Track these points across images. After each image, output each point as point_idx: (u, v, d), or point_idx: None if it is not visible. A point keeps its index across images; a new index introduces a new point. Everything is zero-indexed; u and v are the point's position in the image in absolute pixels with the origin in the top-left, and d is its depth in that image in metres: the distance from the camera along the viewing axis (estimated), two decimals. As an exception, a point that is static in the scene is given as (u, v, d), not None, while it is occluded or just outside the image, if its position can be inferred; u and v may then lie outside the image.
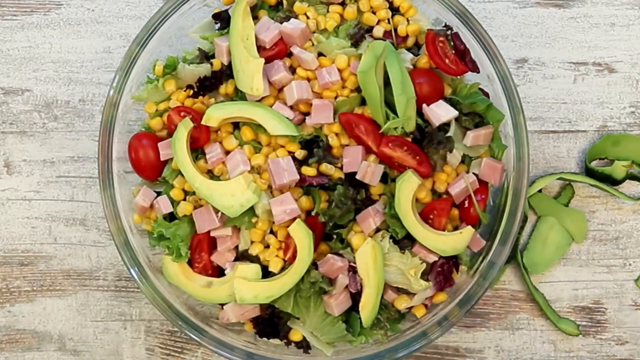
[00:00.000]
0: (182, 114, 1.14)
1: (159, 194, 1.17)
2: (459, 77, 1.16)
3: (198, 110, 1.15)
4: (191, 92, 1.15)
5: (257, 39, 1.14)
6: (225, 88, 1.16)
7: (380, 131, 1.12)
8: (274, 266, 1.13)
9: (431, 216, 1.13)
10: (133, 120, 1.19)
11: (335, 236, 1.14)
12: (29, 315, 1.25)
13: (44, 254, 1.26)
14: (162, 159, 1.15)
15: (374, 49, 1.11)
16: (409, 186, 1.11)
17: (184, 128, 1.12)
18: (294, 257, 1.12)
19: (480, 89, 1.16)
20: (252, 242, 1.14)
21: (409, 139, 1.12)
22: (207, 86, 1.15)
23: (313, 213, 1.13)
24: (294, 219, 1.11)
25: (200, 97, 1.16)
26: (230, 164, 1.13)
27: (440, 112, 1.12)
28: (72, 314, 1.25)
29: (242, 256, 1.16)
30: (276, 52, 1.14)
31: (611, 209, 1.27)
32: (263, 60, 1.12)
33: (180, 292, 1.16)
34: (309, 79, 1.14)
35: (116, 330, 1.25)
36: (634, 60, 1.28)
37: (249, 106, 1.13)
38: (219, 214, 1.13)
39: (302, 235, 1.11)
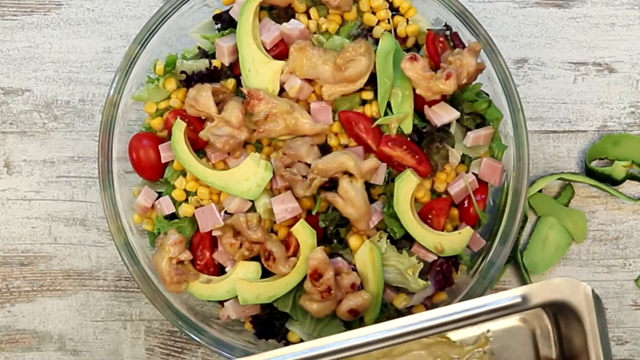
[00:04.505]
0: (180, 117, 1.13)
1: (159, 194, 1.17)
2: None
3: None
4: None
5: (257, 39, 1.15)
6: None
7: (374, 125, 1.12)
8: (275, 265, 1.13)
9: (430, 216, 1.13)
10: (133, 120, 1.18)
11: (335, 239, 1.14)
12: (29, 315, 1.25)
13: (44, 254, 1.26)
14: (163, 160, 1.15)
15: (390, 36, 1.11)
16: (407, 185, 1.10)
17: (179, 130, 1.11)
18: (294, 256, 1.12)
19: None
20: (253, 241, 1.14)
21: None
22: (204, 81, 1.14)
23: (314, 212, 1.13)
24: (295, 217, 1.11)
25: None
26: (232, 162, 1.13)
27: (442, 113, 1.12)
28: (72, 314, 1.25)
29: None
30: (277, 53, 1.14)
31: (611, 209, 1.26)
32: (283, 62, 1.12)
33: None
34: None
35: (116, 330, 1.25)
36: (634, 60, 1.28)
37: None
38: (222, 212, 1.13)
39: (305, 235, 1.11)
